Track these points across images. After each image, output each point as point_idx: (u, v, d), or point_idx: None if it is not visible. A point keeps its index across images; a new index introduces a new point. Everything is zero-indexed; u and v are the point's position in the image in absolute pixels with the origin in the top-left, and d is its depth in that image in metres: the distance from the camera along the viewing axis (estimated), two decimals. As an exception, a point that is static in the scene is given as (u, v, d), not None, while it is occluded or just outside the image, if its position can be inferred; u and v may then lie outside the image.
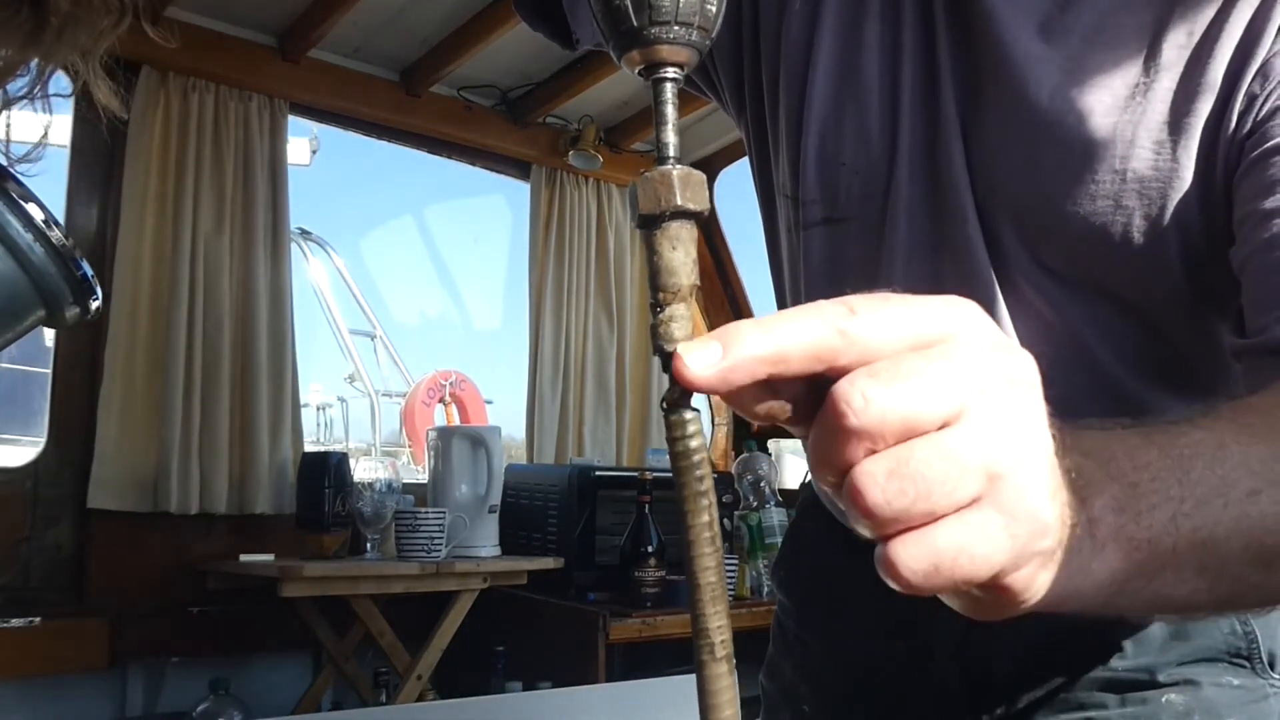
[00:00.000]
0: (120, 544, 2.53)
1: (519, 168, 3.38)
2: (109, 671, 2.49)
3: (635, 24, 0.38)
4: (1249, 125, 0.67)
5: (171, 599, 2.56)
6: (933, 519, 0.35)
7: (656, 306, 0.40)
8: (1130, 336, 0.74)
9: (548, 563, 2.70)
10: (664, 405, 0.40)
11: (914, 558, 0.35)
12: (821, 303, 0.37)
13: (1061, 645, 0.78)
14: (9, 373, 5.97)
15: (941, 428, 0.35)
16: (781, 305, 0.92)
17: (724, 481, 3.08)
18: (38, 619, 2.32)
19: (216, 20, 2.71)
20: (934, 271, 0.77)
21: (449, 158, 3.29)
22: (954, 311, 0.38)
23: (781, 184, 0.86)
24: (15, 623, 2.29)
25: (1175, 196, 0.69)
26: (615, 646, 2.53)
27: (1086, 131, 0.70)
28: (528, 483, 2.97)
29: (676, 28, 0.38)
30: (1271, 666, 0.77)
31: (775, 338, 0.36)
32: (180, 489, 2.53)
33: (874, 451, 0.35)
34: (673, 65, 0.40)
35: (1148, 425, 0.48)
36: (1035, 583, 0.38)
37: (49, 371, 2.60)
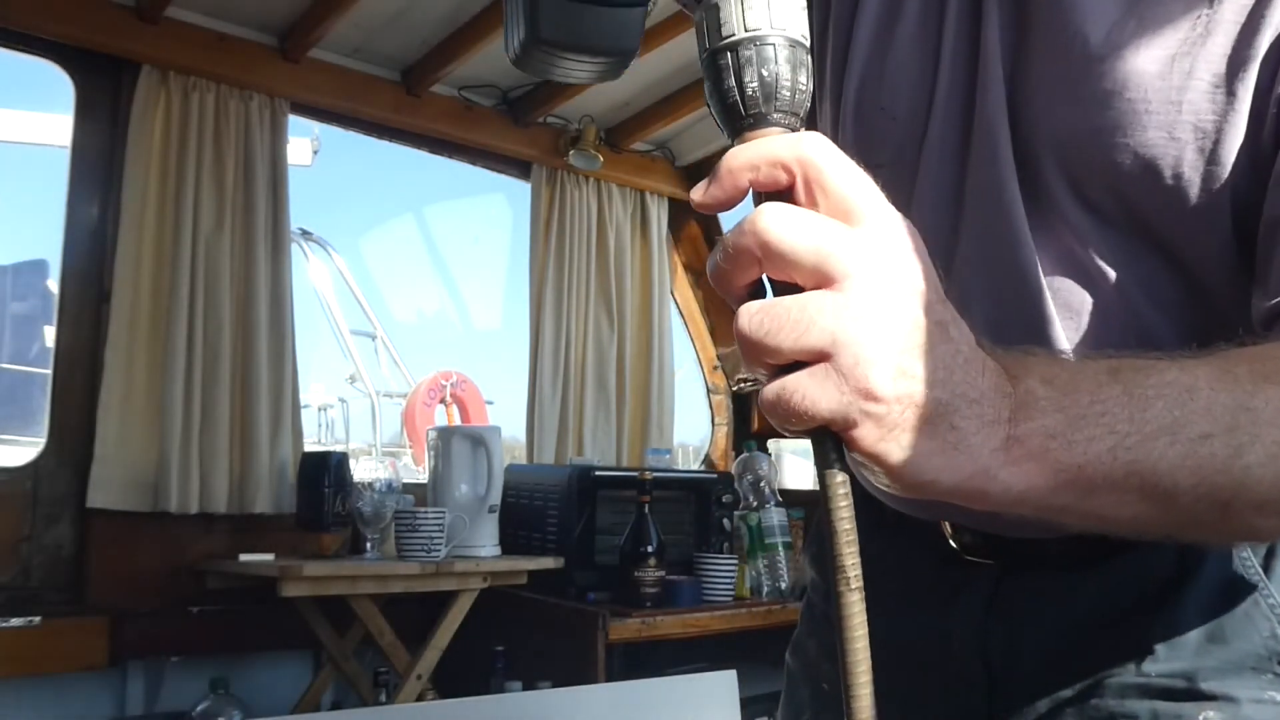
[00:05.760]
0: (120, 544, 2.53)
1: (519, 167, 3.38)
2: (109, 671, 2.49)
3: (764, 114, 0.47)
4: None
5: (171, 598, 2.56)
6: (782, 357, 0.45)
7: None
8: (1170, 286, 0.71)
9: (548, 563, 2.70)
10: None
11: (769, 390, 0.46)
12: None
13: (1087, 642, 0.75)
14: (9, 373, 5.97)
15: (818, 288, 0.45)
16: None
17: (724, 481, 3.08)
18: (38, 619, 2.32)
19: (216, 20, 2.71)
20: (955, 216, 0.75)
21: (449, 157, 3.29)
22: (890, 213, 0.47)
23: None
24: (15, 623, 2.29)
25: (1230, 133, 0.66)
26: (615, 646, 2.53)
27: (1143, 63, 0.67)
28: (528, 483, 2.97)
29: (776, 114, 0.47)
30: None
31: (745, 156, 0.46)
32: (180, 489, 2.53)
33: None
34: None
35: (1137, 360, 0.54)
36: (882, 446, 0.46)
37: (49, 371, 2.60)
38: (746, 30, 0.46)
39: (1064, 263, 0.71)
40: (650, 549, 2.66)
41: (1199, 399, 0.52)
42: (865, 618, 0.46)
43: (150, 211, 2.60)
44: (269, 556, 2.48)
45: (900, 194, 0.75)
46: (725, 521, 3.01)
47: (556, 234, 3.36)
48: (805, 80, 0.47)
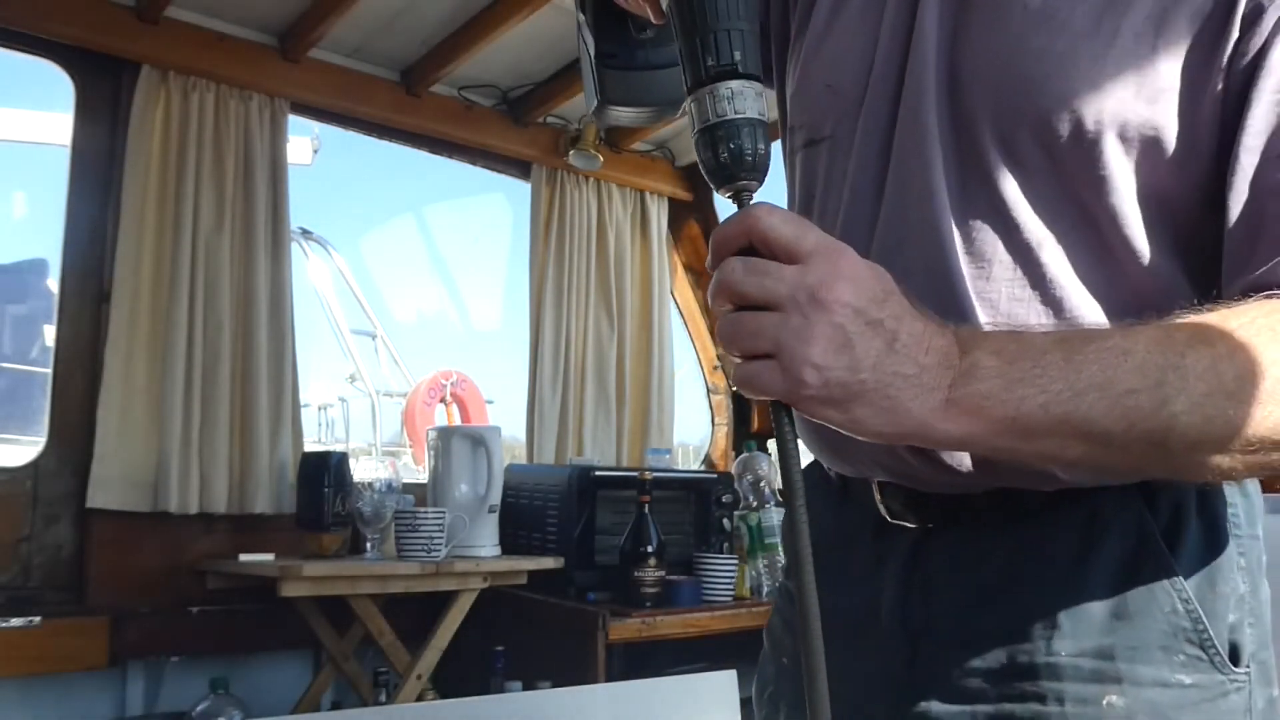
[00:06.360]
0: (120, 544, 2.53)
1: (519, 167, 3.38)
2: (109, 671, 2.49)
3: (734, 173, 0.65)
4: (1261, 40, 0.69)
5: (171, 598, 2.56)
6: (744, 354, 0.62)
7: None
8: (1083, 243, 0.75)
9: (548, 563, 2.71)
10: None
11: (738, 373, 0.63)
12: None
13: (996, 610, 0.77)
14: (9, 373, 5.98)
15: (766, 308, 0.61)
16: None
17: (724, 481, 3.08)
18: (38, 619, 2.32)
19: (216, 20, 2.71)
20: (881, 177, 0.81)
21: (449, 157, 3.29)
22: (823, 247, 0.61)
23: (786, 119, 0.94)
24: (15, 623, 2.29)
25: (1146, 86, 0.71)
26: (615, 646, 2.53)
27: (1076, 22, 0.73)
28: (528, 483, 2.97)
29: (742, 173, 0.65)
30: (1235, 661, 0.74)
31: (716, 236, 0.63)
32: (180, 489, 2.53)
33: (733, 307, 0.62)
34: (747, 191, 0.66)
35: (1087, 330, 0.68)
36: (824, 413, 0.62)
37: (49, 371, 2.60)
38: (717, 117, 0.65)
39: (986, 217, 0.76)
40: (650, 549, 2.66)
41: (1132, 360, 0.63)
42: (808, 530, 0.62)
43: (150, 211, 2.60)
44: (269, 556, 2.48)
45: (839, 163, 0.85)
46: (725, 521, 3.01)
47: (556, 234, 3.36)
48: (764, 146, 0.65)
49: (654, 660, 2.56)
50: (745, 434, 3.71)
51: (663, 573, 2.67)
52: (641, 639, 2.56)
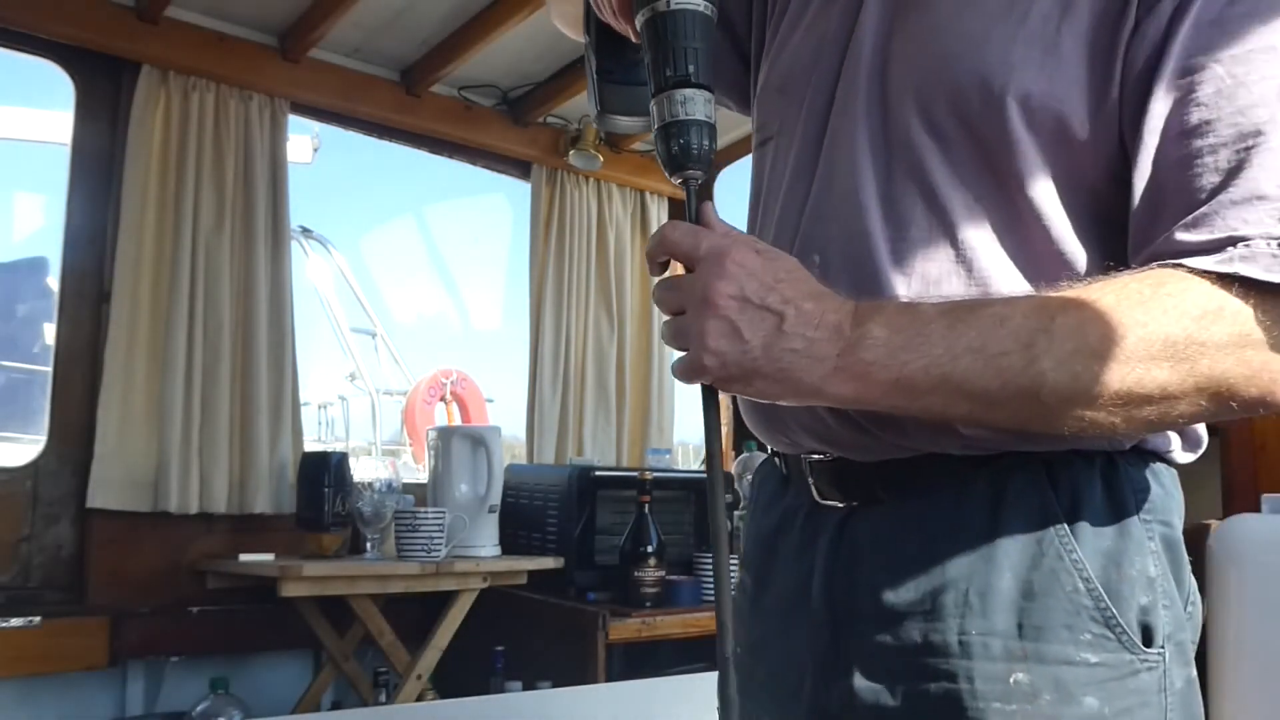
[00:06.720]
0: (120, 544, 2.53)
1: (519, 167, 3.38)
2: (109, 671, 2.49)
3: (682, 164, 0.79)
4: (1160, 26, 0.74)
5: (171, 598, 2.56)
6: (680, 347, 0.74)
7: None
8: (994, 206, 0.79)
9: (548, 562, 2.71)
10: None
11: (672, 366, 0.76)
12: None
13: (912, 587, 0.79)
14: (9, 372, 5.97)
15: (680, 314, 0.74)
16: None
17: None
18: (38, 619, 2.32)
19: (216, 20, 2.71)
20: (814, 160, 0.87)
21: (449, 157, 3.30)
22: (715, 253, 0.73)
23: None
24: (15, 623, 2.29)
25: (1049, 61, 0.77)
26: (615, 646, 2.53)
27: (989, 7, 0.80)
28: (528, 483, 2.97)
29: (689, 164, 0.79)
30: (1147, 642, 0.76)
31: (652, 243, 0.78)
32: (180, 489, 2.53)
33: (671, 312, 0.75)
34: (692, 179, 0.80)
35: (973, 301, 0.75)
36: (731, 388, 0.74)
37: (49, 371, 2.60)
38: (671, 117, 0.78)
39: (906, 184, 0.82)
40: (650, 549, 2.66)
41: (1008, 325, 0.70)
42: (722, 481, 0.75)
43: (150, 211, 2.60)
44: (269, 556, 2.49)
45: (782, 155, 0.93)
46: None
47: (556, 234, 3.36)
48: (709, 143, 0.78)
49: (654, 660, 2.57)
50: (745, 434, 3.71)
51: (663, 573, 2.67)
52: (641, 639, 2.56)
